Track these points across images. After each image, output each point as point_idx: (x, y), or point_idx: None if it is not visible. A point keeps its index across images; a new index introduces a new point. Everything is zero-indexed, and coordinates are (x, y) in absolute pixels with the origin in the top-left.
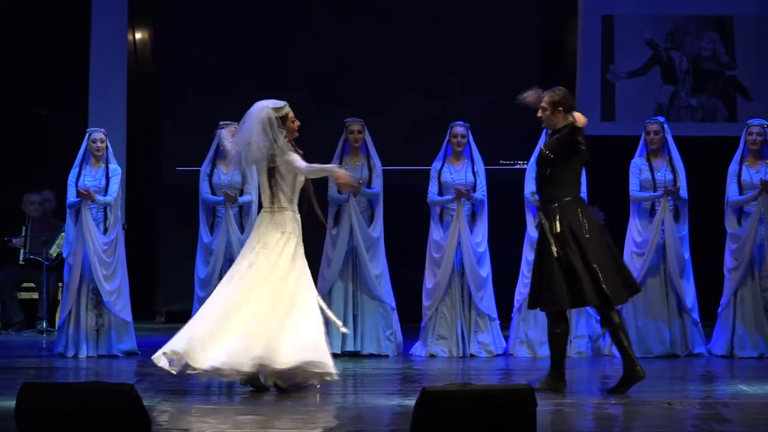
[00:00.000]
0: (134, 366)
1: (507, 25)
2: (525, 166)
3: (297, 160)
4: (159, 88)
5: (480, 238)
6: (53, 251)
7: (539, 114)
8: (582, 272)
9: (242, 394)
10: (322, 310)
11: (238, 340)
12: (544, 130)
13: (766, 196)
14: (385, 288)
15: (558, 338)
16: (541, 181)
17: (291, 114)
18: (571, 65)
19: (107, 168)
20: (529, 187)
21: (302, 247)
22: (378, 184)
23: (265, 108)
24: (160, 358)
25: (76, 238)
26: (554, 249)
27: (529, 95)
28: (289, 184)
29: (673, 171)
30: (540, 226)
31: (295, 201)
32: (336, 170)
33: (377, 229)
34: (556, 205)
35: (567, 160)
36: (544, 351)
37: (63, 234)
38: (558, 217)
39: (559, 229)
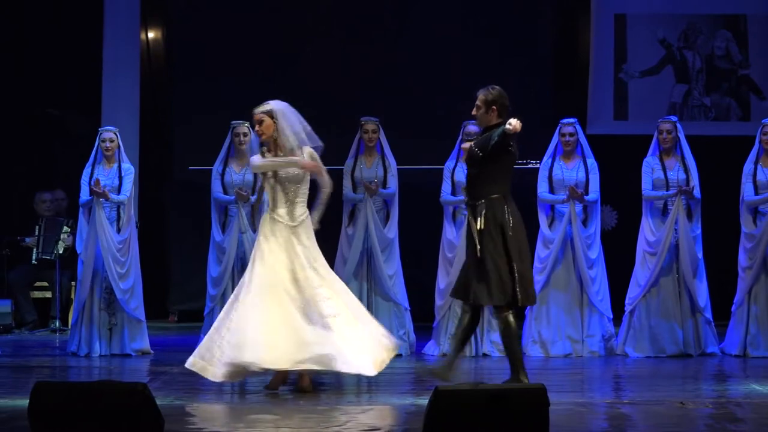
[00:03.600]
0: (147, 365)
1: (520, 25)
2: (537, 165)
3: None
4: (172, 87)
5: None
6: (59, 247)
7: (474, 112)
8: (496, 271)
9: (254, 393)
10: None
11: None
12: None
13: None
14: (398, 288)
15: (511, 335)
16: (471, 179)
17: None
18: (584, 64)
19: (120, 167)
20: (542, 186)
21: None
22: (393, 183)
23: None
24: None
25: (90, 237)
26: (477, 246)
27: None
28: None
29: (686, 170)
30: (467, 222)
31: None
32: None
33: (392, 230)
34: (483, 201)
35: (497, 159)
36: (557, 350)
37: (66, 228)
38: (484, 213)
39: (483, 226)
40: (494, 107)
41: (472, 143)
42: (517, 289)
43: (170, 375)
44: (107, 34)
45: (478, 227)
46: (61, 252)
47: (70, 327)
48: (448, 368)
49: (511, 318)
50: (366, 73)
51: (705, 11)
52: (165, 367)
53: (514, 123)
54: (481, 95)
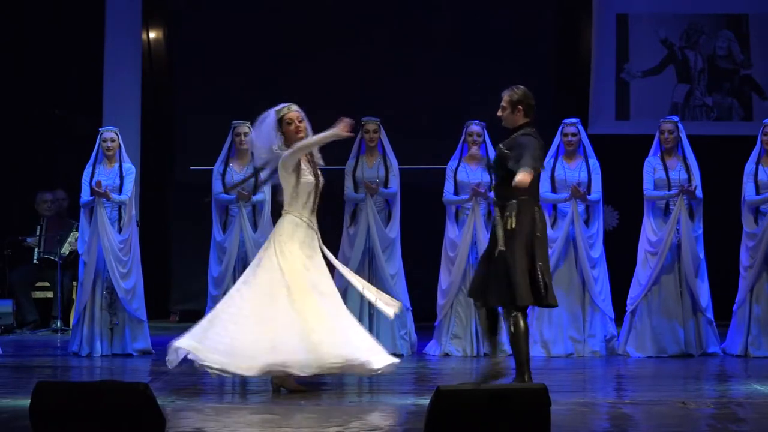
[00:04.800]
0: (148, 365)
1: (521, 25)
2: None
3: (284, 153)
4: (173, 87)
5: None
6: (65, 250)
7: (499, 113)
8: (522, 272)
9: (256, 393)
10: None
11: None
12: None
13: None
14: (400, 288)
15: (519, 336)
16: (500, 180)
17: (288, 116)
18: (586, 64)
19: (121, 167)
20: (544, 186)
21: (293, 249)
22: (395, 183)
23: (271, 113)
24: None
25: (91, 237)
26: (501, 246)
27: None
28: (288, 186)
29: (688, 170)
30: (493, 222)
31: (298, 204)
32: (328, 134)
33: (394, 230)
34: (514, 201)
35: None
36: (558, 350)
37: (74, 232)
38: (515, 214)
39: (513, 226)
40: (520, 107)
41: (501, 144)
42: (543, 291)
43: (171, 375)
44: (108, 33)
45: (508, 227)
46: (66, 254)
47: (71, 327)
48: (497, 366)
49: (521, 320)
50: (366, 73)
51: (707, 11)
52: (166, 367)
53: (519, 179)
54: (506, 96)
